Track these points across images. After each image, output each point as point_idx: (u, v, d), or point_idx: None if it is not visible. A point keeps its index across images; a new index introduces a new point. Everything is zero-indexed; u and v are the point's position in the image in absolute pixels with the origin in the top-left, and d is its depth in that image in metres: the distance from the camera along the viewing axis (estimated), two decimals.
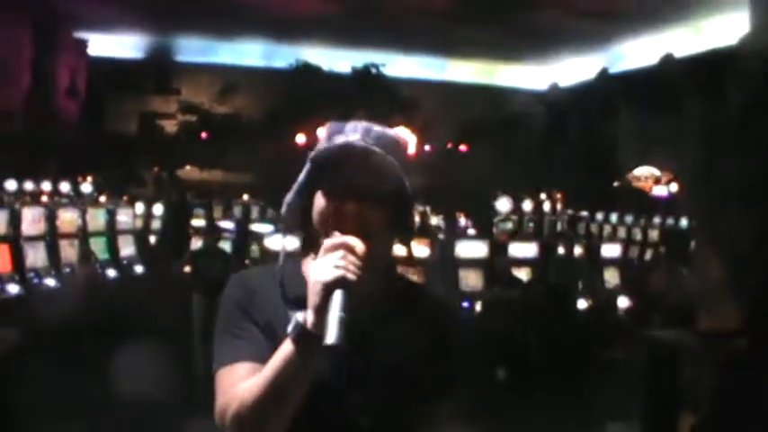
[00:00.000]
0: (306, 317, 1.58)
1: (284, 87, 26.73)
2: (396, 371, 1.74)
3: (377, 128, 1.80)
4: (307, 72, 27.63)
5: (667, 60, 23.48)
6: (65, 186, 15.45)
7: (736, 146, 4.09)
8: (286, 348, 1.59)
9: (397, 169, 1.72)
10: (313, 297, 1.57)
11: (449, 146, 27.66)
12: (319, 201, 1.73)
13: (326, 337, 1.48)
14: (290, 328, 1.59)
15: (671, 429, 4.01)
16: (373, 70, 28.22)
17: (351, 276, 1.56)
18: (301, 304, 1.63)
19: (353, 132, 1.77)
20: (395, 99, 26.17)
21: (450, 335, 1.93)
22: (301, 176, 1.77)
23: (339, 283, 1.55)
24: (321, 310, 1.54)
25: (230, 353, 1.74)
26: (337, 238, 1.63)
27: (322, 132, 1.84)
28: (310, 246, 1.81)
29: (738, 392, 3.52)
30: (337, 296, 1.53)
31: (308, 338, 1.56)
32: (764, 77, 3.95)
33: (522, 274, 9.65)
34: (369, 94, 25.39)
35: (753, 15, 4.52)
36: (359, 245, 1.61)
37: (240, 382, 1.67)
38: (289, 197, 1.79)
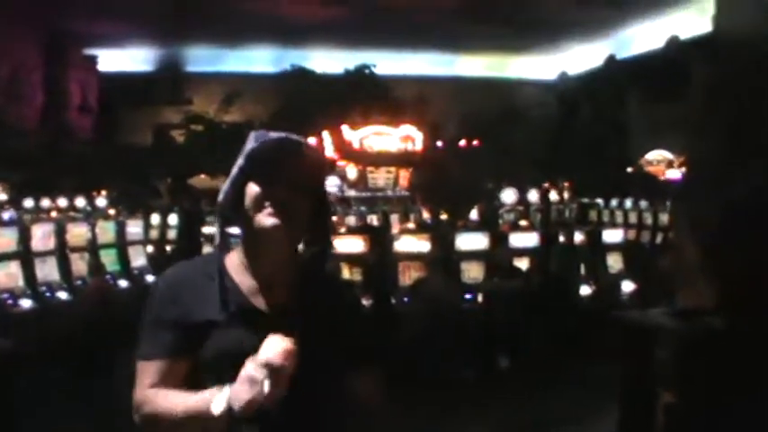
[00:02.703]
0: (231, 397, 1.72)
1: (281, 93, 27.10)
2: (312, 349, 1.85)
3: (295, 138, 1.94)
4: (301, 76, 28.01)
5: (673, 43, 23.39)
6: (80, 202, 15.67)
7: (707, 128, 4.17)
8: (205, 408, 1.75)
9: (324, 161, 1.91)
10: (241, 395, 1.70)
11: (462, 142, 27.68)
12: (251, 189, 1.90)
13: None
14: (214, 406, 1.73)
15: (647, 408, 4.09)
16: (366, 71, 28.52)
17: (274, 399, 1.70)
18: (223, 295, 1.88)
19: None
20: (388, 98, 26.37)
21: (355, 309, 2.14)
22: (236, 169, 1.94)
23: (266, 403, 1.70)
24: (247, 408, 1.70)
25: (150, 347, 1.93)
26: (261, 357, 1.71)
27: (250, 140, 1.98)
28: (227, 239, 2.01)
29: (710, 371, 3.60)
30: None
31: (229, 413, 1.72)
32: (731, 59, 4.02)
33: (523, 264, 9.69)
34: (363, 95, 25.53)
35: None
36: (285, 360, 1.70)
37: (155, 378, 1.89)
38: (225, 186, 1.97)
